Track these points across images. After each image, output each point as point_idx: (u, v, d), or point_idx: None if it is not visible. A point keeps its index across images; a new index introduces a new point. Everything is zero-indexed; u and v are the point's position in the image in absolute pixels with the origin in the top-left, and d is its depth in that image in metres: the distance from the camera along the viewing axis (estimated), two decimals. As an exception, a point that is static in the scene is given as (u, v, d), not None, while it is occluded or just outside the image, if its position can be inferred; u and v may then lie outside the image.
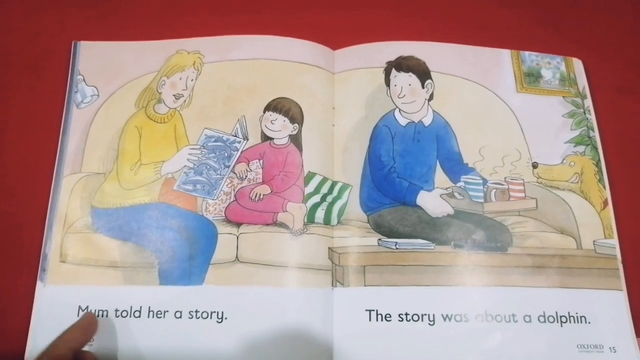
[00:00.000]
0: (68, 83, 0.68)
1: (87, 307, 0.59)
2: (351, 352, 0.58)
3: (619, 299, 0.60)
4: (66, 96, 0.67)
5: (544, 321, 0.59)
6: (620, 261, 0.62)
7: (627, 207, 0.66)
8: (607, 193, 0.66)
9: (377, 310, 0.59)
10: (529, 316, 0.59)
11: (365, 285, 0.60)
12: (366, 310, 0.59)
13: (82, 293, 0.59)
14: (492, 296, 0.60)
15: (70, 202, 0.63)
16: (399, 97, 0.68)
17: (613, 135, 0.69)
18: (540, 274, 0.61)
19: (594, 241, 0.63)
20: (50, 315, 0.58)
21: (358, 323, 0.59)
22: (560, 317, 0.59)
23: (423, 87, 0.68)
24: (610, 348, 0.58)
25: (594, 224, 0.64)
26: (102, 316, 0.58)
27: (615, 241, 0.63)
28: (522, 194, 0.65)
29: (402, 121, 0.67)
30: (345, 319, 0.59)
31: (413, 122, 0.67)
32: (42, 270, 0.60)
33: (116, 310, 0.58)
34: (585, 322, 0.59)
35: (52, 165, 0.64)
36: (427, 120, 0.68)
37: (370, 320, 0.59)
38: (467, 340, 0.58)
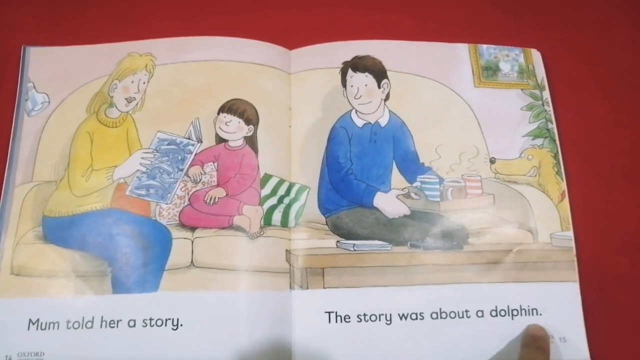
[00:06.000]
0: (18, 91, 0.66)
1: (37, 320, 0.57)
2: (311, 353, 0.58)
3: (573, 290, 0.61)
4: (16, 104, 0.66)
5: (496, 315, 0.60)
6: (574, 253, 0.62)
7: (583, 198, 0.66)
8: (565, 185, 0.66)
9: (336, 312, 0.59)
10: (482, 311, 0.60)
11: (324, 288, 0.60)
12: (326, 312, 0.59)
13: (33, 306, 0.58)
14: (447, 294, 0.60)
15: (22, 212, 0.61)
16: (355, 98, 0.67)
17: (570, 127, 0.69)
18: (495, 269, 0.61)
19: (550, 234, 0.63)
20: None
21: (318, 325, 0.59)
22: (512, 310, 0.60)
23: (379, 87, 0.68)
24: (560, 338, 0.59)
25: (552, 217, 0.64)
26: (53, 329, 0.57)
27: (571, 233, 0.63)
28: (479, 191, 0.65)
29: (359, 122, 0.67)
30: (304, 322, 0.59)
31: (369, 123, 0.67)
32: (-8, 283, 0.58)
33: (67, 322, 0.57)
34: (537, 314, 0.60)
35: (1, 175, 0.63)
36: (384, 121, 0.67)
37: (330, 322, 0.59)
38: (422, 338, 0.59)
